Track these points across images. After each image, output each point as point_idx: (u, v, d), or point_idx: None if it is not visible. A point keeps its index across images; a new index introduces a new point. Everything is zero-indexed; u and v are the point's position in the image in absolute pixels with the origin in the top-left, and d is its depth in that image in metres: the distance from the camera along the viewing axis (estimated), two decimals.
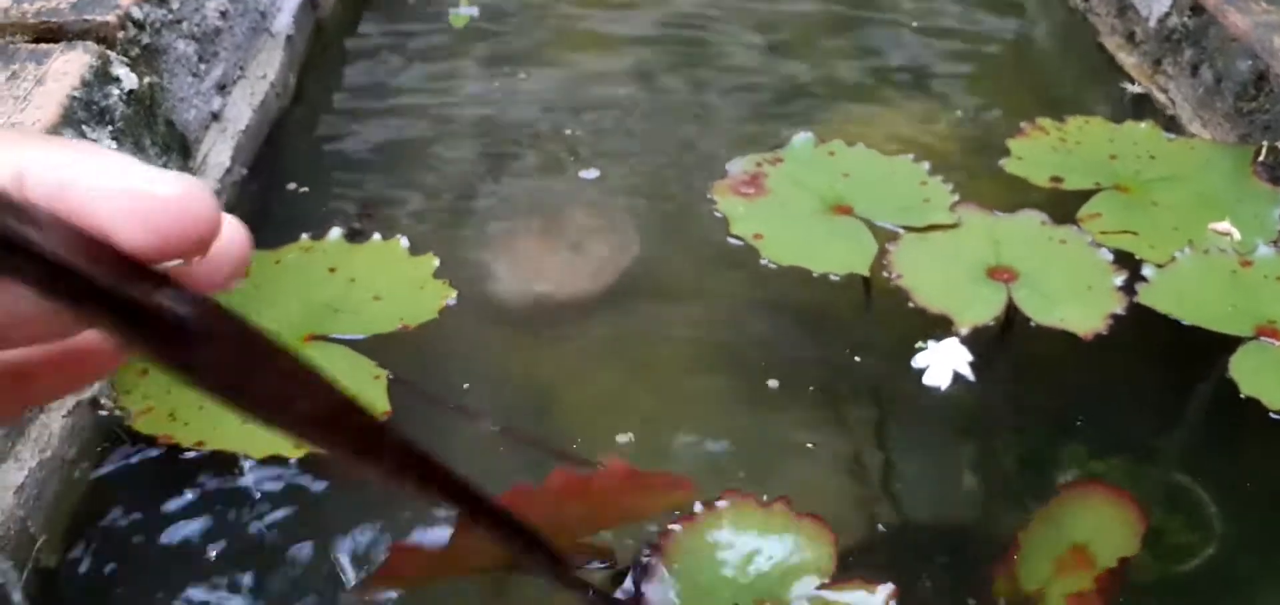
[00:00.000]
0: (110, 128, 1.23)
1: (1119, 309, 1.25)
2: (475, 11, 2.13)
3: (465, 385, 1.28)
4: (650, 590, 0.95)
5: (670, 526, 1.02)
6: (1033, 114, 1.65)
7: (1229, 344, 1.21)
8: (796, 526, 1.03)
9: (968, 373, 1.21)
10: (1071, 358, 1.27)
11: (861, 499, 1.14)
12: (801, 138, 1.55)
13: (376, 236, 1.39)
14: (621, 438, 1.19)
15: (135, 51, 1.33)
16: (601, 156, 1.68)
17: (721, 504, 1.04)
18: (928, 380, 1.21)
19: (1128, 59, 1.89)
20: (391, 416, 1.14)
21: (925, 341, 1.24)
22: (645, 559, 0.98)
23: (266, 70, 1.68)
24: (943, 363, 1.21)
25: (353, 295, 1.30)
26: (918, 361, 1.23)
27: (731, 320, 1.38)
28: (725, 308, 1.40)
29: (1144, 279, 1.30)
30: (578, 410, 1.26)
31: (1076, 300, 1.27)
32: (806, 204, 1.45)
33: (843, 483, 1.10)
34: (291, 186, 1.60)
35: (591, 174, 1.64)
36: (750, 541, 1.02)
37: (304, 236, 1.38)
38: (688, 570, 1.01)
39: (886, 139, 1.69)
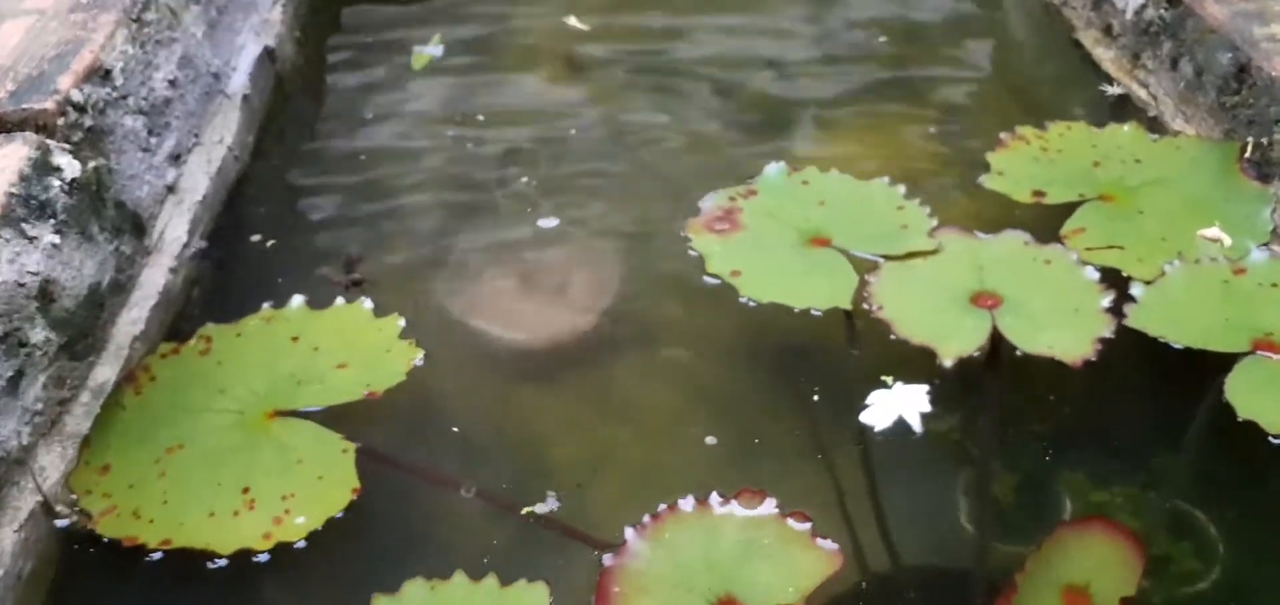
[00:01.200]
0: (52, 221, 1.18)
1: (1107, 332, 1.20)
2: (439, 52, 2.09)
3: (454, 428, 1.25)
4: None
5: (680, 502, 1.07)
6: (1011, 119, 1.60)
7: (1226, 359, 1.16)
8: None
9: (916, 423, 1.16)
10: (1064, 382, 1.22)
11: (851, 538, 1.10)
12: (774, 168, 1.50)
13: (340, 301, 1.34)
14: (603, 491, 1.16)
15: (78, 135, 1.28)
16: (566, 199, 1.63)
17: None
18: (865, 418, 1.17)
19: (1105, 54, 1.84)
20: (362, 493, 1.10)
21: (892, 380, 1.21)
22: None
23: (223, 134, 1.63)
24: (888, 406, 1.17)
25: (317, 364, 1.25)
26: (869, 399, 1.19)
27: (713, 364, 1.34)
28: (706, 351, 1.35)
29: (1132, 298, 1.25)
30: (559, 462, 1.22)
31: (1063, 325, 1.22)
32: (783, 237, 1.41)
33: (830, 524, 1.06)
34: (256, 238, 1.55)
35: (553, 222, 1.59)
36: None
37: (266, 306, 1.33)
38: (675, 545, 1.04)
39: (862, 156, 1.65)
